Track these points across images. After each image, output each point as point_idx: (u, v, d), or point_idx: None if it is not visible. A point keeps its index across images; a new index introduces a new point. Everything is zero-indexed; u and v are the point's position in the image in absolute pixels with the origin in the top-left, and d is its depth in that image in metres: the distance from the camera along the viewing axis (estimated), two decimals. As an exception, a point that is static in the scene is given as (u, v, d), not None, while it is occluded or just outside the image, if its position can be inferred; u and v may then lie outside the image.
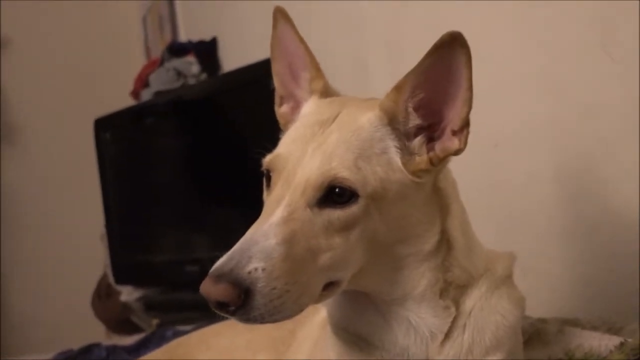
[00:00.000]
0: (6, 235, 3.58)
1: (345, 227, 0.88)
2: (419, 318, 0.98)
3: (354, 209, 0.87)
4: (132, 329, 2.99)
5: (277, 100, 1.12)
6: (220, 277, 0.83)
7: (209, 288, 0.84)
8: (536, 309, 1.45)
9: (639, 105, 1.40)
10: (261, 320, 0.85)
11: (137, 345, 2.09)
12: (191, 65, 3.19)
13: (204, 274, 2.71)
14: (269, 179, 0.98)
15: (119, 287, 3.13)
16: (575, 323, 1.32)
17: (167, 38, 3.78)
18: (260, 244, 0.85)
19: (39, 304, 3.53)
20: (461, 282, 1.00)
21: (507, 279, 1.06)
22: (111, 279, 3.16)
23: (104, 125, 3.18)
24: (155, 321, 2.80)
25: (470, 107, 0.92)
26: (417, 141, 0.94)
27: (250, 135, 2.33)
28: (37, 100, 3.72)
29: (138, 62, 3.73)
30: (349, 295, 0.99)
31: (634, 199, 1.45)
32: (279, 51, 1.09)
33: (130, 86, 3.47)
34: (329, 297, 0.91)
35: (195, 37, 3.32)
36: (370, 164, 0.90)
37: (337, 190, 0.88)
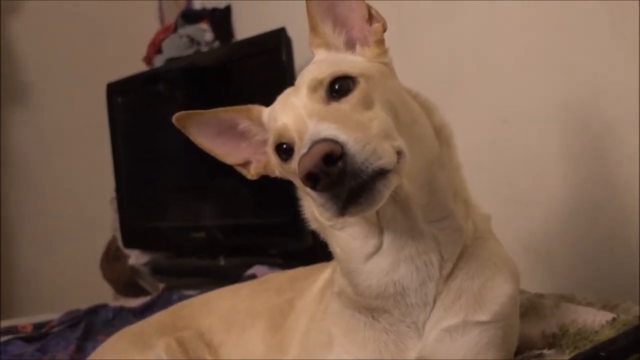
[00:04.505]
0: (15, 196, 3.58)
1: (367, 103, 0.95)
2: (442, 233, 1.01)
3: (360, 86, 0.96)
4: (139, 291, 3.02)
5: (243, 172, 1.18)
6: (312, 145, 0.85)
7: (308, 154, 0.84)
8: (535, 285, 1.47)
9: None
10: (369, 164, 0.84)
11: (143, 308, 2.13)
12: (204, 32, 3.18)
13: (210, 241, 2.71)
14: (284, 152, 1.01)
15: (127, 251, 3.15)
16: (571, 299, 1.34)
17: (181, 4, 3.76)
18: (317, 130, 0.87)
19: (48, 265, 3.55)
20: (463, 195, 1.06)
21: (492, 235, 1.11)
22: (120, 243, 3.19)
23: (116, 90, 3.18)
24: (161, 285, 2.83)
25: None
26: (358, 50, 1.07)
27: (262, 104, 2.33)
28: (49, 63, 3.70)
29: (152, 28, 3.72)
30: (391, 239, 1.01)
31: (636, 180, 1.46)
32: (209, 141, 1.17)
33: (143, 52, 3.47)
34: (404, 165, 0.91)
35: (209, 4, 3.31)
36: (345, 62, 1.03)
37: (336, 86, 0.96)
